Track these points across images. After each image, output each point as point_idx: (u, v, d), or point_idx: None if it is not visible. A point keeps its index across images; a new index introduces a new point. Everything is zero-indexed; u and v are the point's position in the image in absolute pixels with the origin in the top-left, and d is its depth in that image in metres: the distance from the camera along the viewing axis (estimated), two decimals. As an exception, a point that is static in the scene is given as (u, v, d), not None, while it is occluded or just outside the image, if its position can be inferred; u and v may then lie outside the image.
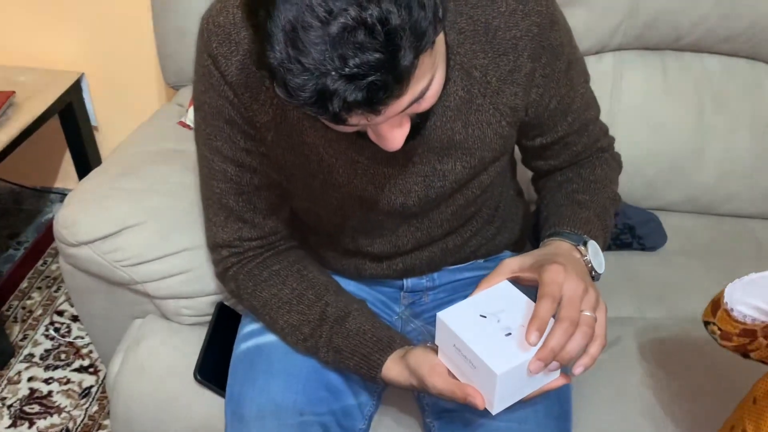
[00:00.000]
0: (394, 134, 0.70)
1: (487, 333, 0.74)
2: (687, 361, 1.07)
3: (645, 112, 1.35)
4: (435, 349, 0.82)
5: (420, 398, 1.00)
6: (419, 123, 0.80)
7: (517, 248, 1.12)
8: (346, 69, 0.57)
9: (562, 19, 0.87)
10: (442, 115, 0.83)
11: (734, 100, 1.35)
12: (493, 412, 0.76)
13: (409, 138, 0.73)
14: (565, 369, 0.77)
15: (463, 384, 0.77)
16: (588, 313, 0.74)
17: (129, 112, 1.79)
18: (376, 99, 0.60)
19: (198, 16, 1.36)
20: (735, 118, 1.35)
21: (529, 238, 1.21)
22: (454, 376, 0.79)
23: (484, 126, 0.86)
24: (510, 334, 0.74)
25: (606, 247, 0.91)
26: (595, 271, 0.84)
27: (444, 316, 0.76)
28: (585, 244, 0.85)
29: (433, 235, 0.97)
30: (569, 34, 0.89)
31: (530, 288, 0.80)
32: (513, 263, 0.81)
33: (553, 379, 0.77)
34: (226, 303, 1.11)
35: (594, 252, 0.85)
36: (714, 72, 1.36)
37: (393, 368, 0.86)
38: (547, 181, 1.02)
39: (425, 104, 0.69)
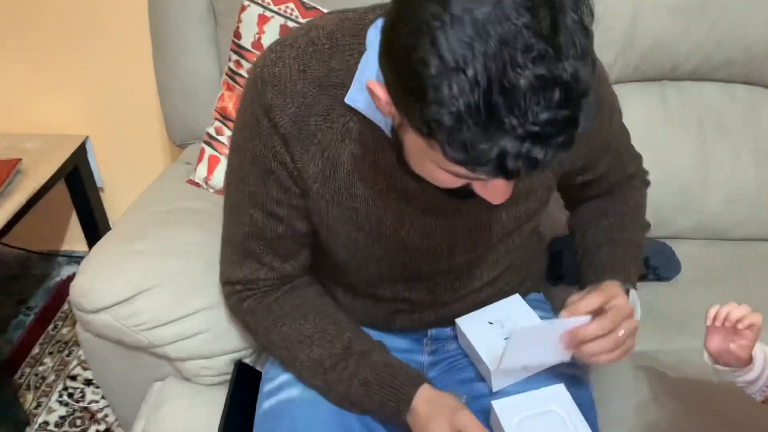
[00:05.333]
0: (508, 187, 0.70)
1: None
2: (711, 395, 1.05)
3: (648, 142, 1.35)
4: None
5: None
6: None
7: (539, 289, 1.13)
8: (536, 127, 0.56)
9: (602, 68, 0.90)
10: None
11: (735, 126, 1.37)
12: None
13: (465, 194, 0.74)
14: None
15: None
16: (621, 333, 0.82)
17: (134, 172, 1.81)
18: (555, 158, 0.59)
19: (202, 76, 1.41)
20: (737, 144, 1.37)
21: (545, 277, 1.22)
22: None
23: (533, 178, 0.88)
24: None
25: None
26: None
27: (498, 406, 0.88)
28: (627, 293, 0.89)
29: (470, 287, 0.98)
30: (608, 81, 0.94)
31: None
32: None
33: None
34: (244, 361, 1.10)
35: (633, 302, 0.90)
36: (713, 99, 1.38)
37: (425, 403, 0.85)
38: (582, 208, 1.07)
39: None
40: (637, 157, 1.07)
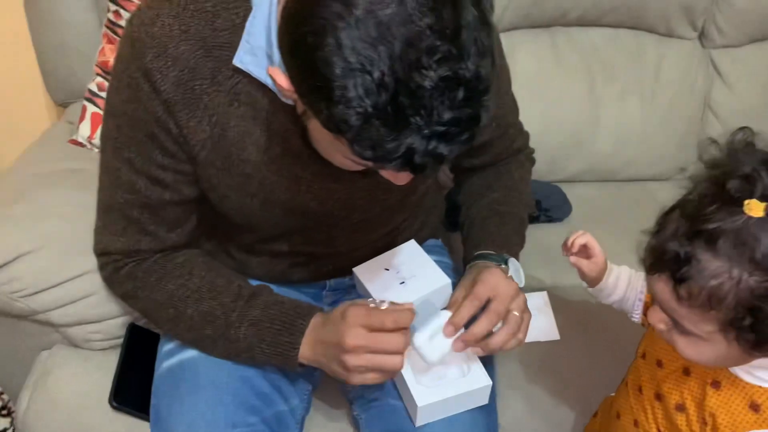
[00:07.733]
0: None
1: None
2: (598, 324, 1.11)
3: (539, 88, 1.39)
4: None
5: (347, 393, 1.00)
6: None
7: (437, 236, 1.14)
8: (441, 127, 0.58)
9: (497, 37, 0.88)
10: None
11: (621, 69, 1.42)
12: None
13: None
14: None
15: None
16: (516, 314, 0.82)
17: (17, 134, 1.69)
18: (459, 152, 0.61)
19: (80, 28, 1.33)
20: (624, 87, 1.42)
21: (443, 223, 1.23)
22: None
23: None
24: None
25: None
26: None
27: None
28: (506, 262, 0.91)
29: (369, 238, 0.98)
30: (501, 50, 0.93)
31: None
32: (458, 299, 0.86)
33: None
34: (137, 323, 1.07)
35: (515, 269, 0.92)
36: (601, 44, 1.42)
37: (313, 329, 0.83)
38: (469, 180, 1.07)
39: None
40: (525, 135, 1.08)
